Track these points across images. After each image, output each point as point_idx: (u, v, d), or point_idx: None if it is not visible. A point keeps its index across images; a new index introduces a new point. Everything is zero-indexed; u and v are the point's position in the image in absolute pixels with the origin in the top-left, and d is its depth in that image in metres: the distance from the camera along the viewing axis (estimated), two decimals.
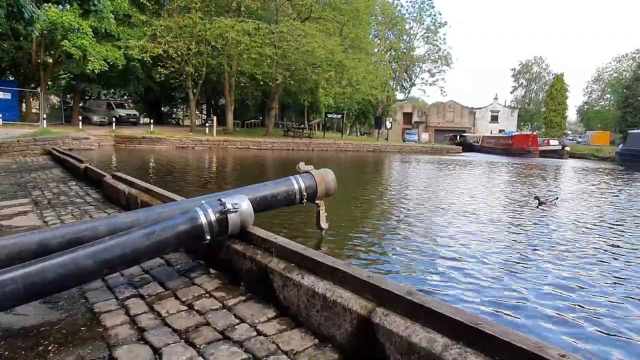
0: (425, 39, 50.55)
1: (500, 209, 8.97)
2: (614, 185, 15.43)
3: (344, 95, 31.04)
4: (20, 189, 6.74)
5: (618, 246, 6.14)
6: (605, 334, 3.41)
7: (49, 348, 2.00)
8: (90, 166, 7.64)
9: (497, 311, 3.68)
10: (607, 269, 5.02)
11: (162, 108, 44.48)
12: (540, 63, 75.02)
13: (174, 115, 52.54)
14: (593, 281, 4.59)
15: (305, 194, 4.05)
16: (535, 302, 3.93)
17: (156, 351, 1.97)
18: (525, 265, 5.00)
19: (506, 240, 6.21)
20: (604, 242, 6.38)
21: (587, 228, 7.29)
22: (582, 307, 3.89)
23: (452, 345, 1.54)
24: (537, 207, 8.89)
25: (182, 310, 2.40)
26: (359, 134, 59.29)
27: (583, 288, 4.36)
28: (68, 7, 21.77)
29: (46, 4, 21.46)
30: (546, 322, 3.53)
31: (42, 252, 2.47)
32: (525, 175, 18.35)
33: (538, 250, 5.73)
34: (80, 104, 31.05)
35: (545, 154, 38.16)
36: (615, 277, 4.77)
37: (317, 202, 4.55)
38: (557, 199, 9.17)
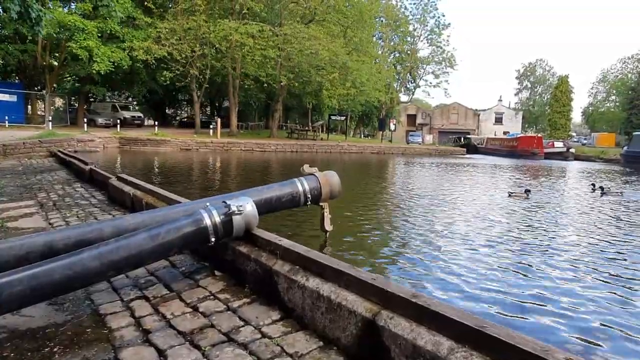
0: (429, 41, 50.54)
1: (503, 211, 8.94)
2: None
3: (348, 97, 31.02)
4: (26, 191, 6.77)
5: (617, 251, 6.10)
6: (611, 335, 3.38)
7: (55, 350, 2.01)
8: (96, 168, 7.67)
9: (502, 314, 3.67)
10: (608, 269, 4.99)
11: (167, 110, 44.62)
12: (543, 65, 74.84)
13: (177, 117, 52.66)
14: (596, 281, 4.57)
15: (309, 196, 4.05)
16: (541, 303, 3.91)
17: (161, 353, 1.97)
18: (529, 268, 4.98)
19: (511, 242, 6.19)
20: (606, 243, 6.35)
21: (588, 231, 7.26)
22: (587, 308, 3.87)
23: (458, 349, 1.53)
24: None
25: (187, 312, 2.41)
26: (362, 135, 59.23)
27: (587, 288, 4.34)
28: (74, 5, 21.92)
29: (51, 2, 21.65)
30: (552, 325, 3.51)
31: (48, 253, 2.49)
32: (528, 178, 18.28)
33: (541, 252, 5.71)
34: (85, 106, 31.22)
35: (550, 155, 37.97)
36: (614, 276, 4.74)
37: (321, 204, 4.55)
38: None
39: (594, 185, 12.00)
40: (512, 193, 11.02)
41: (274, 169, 17.37)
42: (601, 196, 11.15)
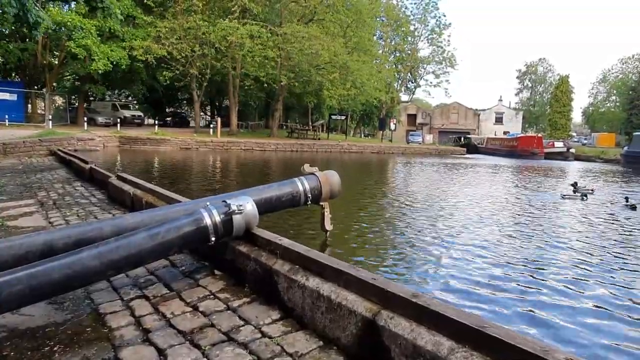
0: (430, 41, 50.58)
1: (502, 212, 8.94)
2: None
3: (348, 97, 31.00)
4: (26, 190, 6.77)
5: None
6: (611, 336, 3.38)
7: (55, 349, 2.01)
8: (96, 167, 7.67)
9: (502, 314, 3.67)
10: (608, 271, 4.99)
11: (167, 109, 44.62)
12: (544, 64, 74.85)
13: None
14: (597, 282, 4.57)
15: (310, 195, 4.05)
16: (543, 304, 3.91)
17: (161, 352, 1.97)
18: (530, 268, 4.98)
19: (510, 243, 6.19)
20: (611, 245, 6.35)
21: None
22: (588, 309, 3.87)
23: (458, 349, 1.53)
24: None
25: (187, 312, 2.41)
26: (362, 135, 59.22)
27: (587, 288, 4.34)
28: (74, 5, 21.91)
29: (51, 3, 21.62)
30: (552, 324, 3.51)
31: (48, 252, 2.48)
32: (529, 178, 18.27)
33: (542, 253, 5.71)
34: (85, 105, 31.20)
35: (550, 155, 37.96)
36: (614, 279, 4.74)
37: (321, 203, 4.55)
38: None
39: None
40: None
41: (274, 168, 17.36)
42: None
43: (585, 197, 10.70)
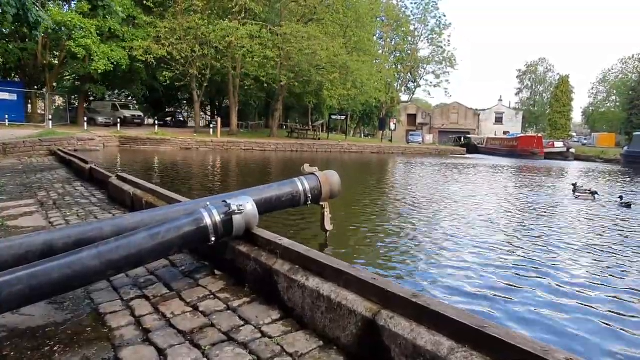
0: (430, 41, 50.60)
1: (502, 213, 8.94)
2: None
3: (348, 97, 30.99)
4: (26, 190, 6.77)
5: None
6: (610, 335, 3.38)
7: (55, 349, 2.01)
8: (96, 167, 7.67)
9: (503, 314, 3.67)
10: (606, 270, 4.99)
11: (167, 109, 44.60)
12: (544, 64, 74.83)
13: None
14: (596, 281, 4.57)
15: (310, 195, 4.05)
16: (541, 304, 3.91)
17: (161, 352, 1.97)
18: (529, 268, 4.98)
19: (510, 243, 6.18)
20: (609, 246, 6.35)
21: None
22: (587, 308, 3.87)
23: (458, 349, 1.53)
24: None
25: (187, 312, 2.41)
26: (362, 135, 59.20)
27: (590, 288, 4.34)
28: (74, 4, 21.91)
29: (51, 2, 21.59)
30: (552, 325, 3.51)
31: (48, 252, 2.48)
32: (530, 178, 18.27)
33: (541, 253, 5.71)
34: (85, 105, 31.21)
35: (550, 155, 37.96)
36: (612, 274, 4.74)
37: (321, 203, 4.55)
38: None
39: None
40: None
41: (274, 168, 17.36)
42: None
43: (597, 196, 10.93)
